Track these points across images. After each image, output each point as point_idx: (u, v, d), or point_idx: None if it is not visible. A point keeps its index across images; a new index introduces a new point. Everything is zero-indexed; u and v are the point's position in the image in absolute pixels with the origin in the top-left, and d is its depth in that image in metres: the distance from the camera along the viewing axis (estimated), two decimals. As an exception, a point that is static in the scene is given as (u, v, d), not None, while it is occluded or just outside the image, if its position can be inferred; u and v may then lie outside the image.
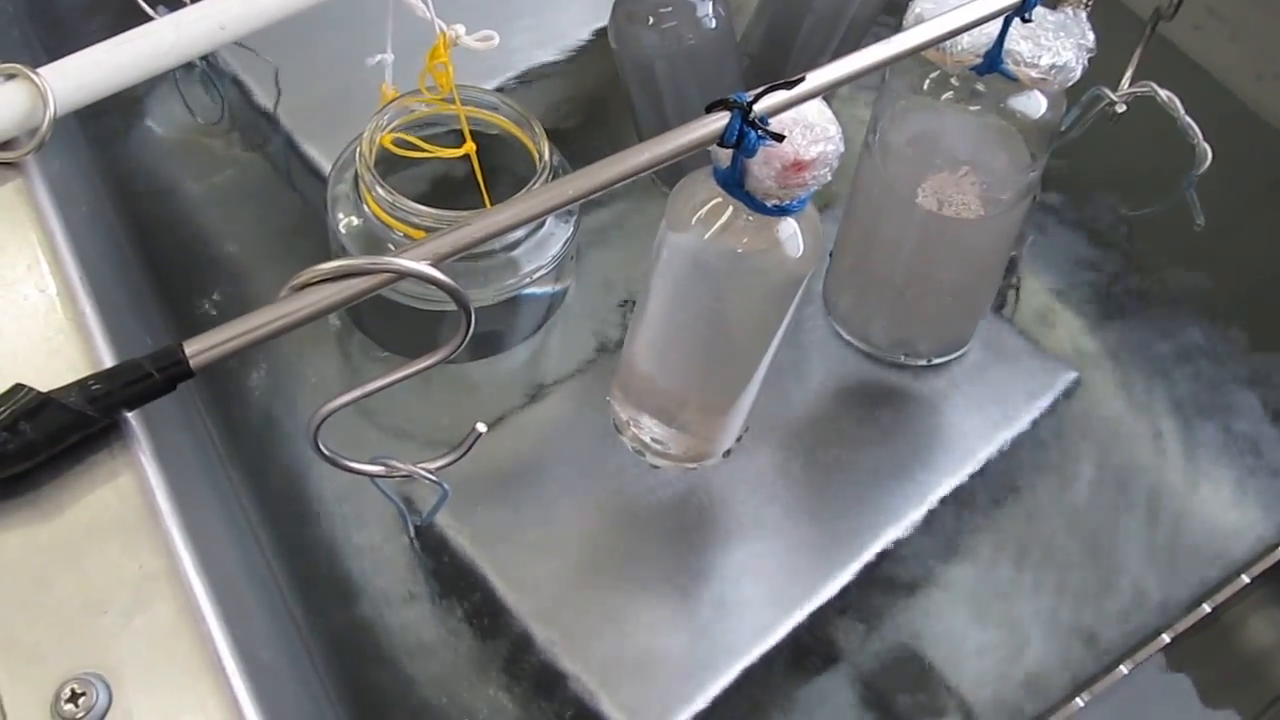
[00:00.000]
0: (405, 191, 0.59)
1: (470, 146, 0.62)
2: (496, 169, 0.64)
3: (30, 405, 0.42)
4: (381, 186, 0.59)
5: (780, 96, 0.46)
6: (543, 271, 0.64)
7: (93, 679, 0.39)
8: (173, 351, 0.42)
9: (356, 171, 0.62)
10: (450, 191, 0.67)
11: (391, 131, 0.63)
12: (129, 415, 0.45)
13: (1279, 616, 0.65)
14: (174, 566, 0.42)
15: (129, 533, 0.42)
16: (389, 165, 0.63)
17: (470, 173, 0.62)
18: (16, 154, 0.53)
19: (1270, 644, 0.65)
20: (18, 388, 0.42)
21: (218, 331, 0.42)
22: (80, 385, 0.43)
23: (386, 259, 0.42)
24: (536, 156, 0.63)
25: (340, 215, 0.63)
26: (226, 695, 0.40)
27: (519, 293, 0.64)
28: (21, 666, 0.39)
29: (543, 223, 0.64)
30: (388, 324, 0.67)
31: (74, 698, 0.39)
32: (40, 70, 0.54)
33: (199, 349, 0.42)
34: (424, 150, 0.63)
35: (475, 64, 0.69)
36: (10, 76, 0.54)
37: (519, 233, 0.62)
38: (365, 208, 0.61)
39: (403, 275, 0.42)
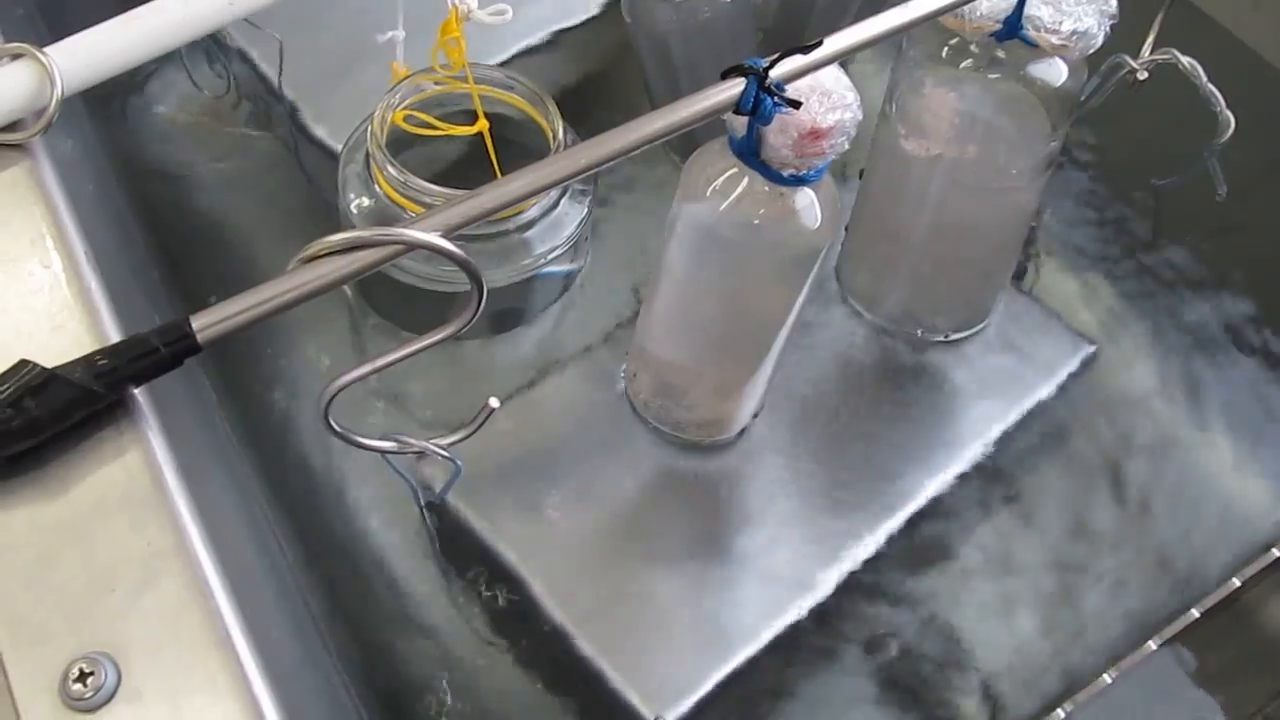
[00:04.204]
0: (417, 172, 0.59)
1: (484, 123, 0.61)
2: (509, 149, 0.63)
3: (35, 381, 0.41)
4: (393, 166, 0.59)
5: (797, 61, 0.46)
6: (557, 252, 0.63)
7: (101, 658, 0.39)
8: (180, 326, 0.42)
9: (368, 151, 0.61)
10: (462, 171, 0.66)
11: (403, 110, 0.63)
12: (136, 391, 0.44)
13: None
14: (182, 543, 0.41)
15: (136, 510, 0.42)
16: (400, 145, 0.63)
17: (483, 153, 0.62)
18: (23, 135, 0.53)
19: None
20: (23, 364, 0.42)
21: (225, 305, 0.42)
22: (86, 361, 0.42)
23: (396, 230, 0.42)
24: (550, 135, 0.62)
25: (351, 196, 0.62)
26: (236, 672, 0.39)
27: (534, 272, 0.63)
28: (28, 647, 0.39)
29: (557, 202, 0.63)
30: (402, 306, 0.66)
31: (82, 677, 0.38)
32: (47, 49, 0.53)
33: (206, 323, 0.42)
34: (437, 128, 0.63)
35: (486, 39, 0.69)
36: (16, 56, 0.53)
37: (533, 212, 0.62)
38: (376, 188, 0.61)
39: (412, 246, 0.42)
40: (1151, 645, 0.60)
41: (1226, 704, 0.60)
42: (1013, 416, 0.67)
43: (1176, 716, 0.60)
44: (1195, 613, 0.61)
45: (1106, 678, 0.59)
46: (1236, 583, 0.62)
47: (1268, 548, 0.64)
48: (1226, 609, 0.62)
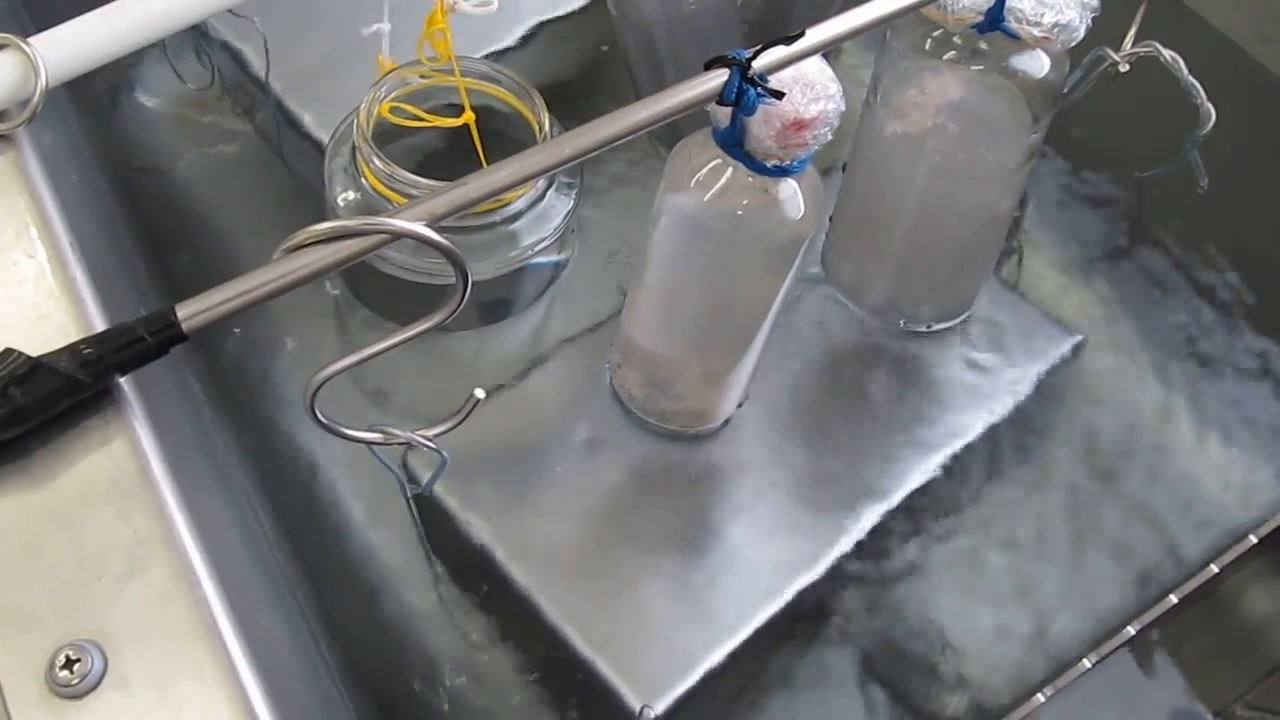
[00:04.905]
0: (403, 165, 0.59)
1: (470, 115, 0.61)
2: (496, 141, 0.63)
3: (20, 370, 0.41)
4: (379, 158, 0.59)
5: (780, 52, 0.46)
6: (544, 243, 0.63)
7: (87, 645, 0.39)
8: (165, 315, 0.42)
9: (354, 144, 0.61)
10: (448, 164, 0.66)
11: (389, 102, 0.63)
12: (121, 380, 0.44)
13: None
14: (169, 531, 0.41)
15: (123, 497, 0.42)
16: (386, 139, 0.63)
17: (469, 146, 0.62)
18: (7, 126, 0.53)
19: (1274, 610, 0.64)
20: (8, 353, 0.42)
21: (210, 294, 0.42)
22: (71, 350, 0.42)
23: (381, 219, 0.42)
24: (536, 128, 0.63)
25: (338, 189, 0.62)
26: (223, 659, 0.39)
27: (521, 264, 0.63)
28: (15, 634, 0.39)
29: (543, 194, 0.63)
30: (390, 299, 0.66)
31: (68, 664, 0.38)
32: (31, 40, 0.53)
33: (191, 312, 0.42)
34: (423, 120, 0.63)
35: (471, 31, 0.68)
36: (0, 47, 0.53)
37: (520, 204, 0.62)
38: (363, 181, 0.61)
39: (397, 235, 0.42)
40: (1130, 631, 0.60)
41: (1205, 690, 0.61)
42: (996, 406, 0.67)
43: (1155, 702, 0.61)
44: (1174, 598, 0.61)
45: (1086, 663, 0.59)
46: (1215, 569, 0.62)
47: (1246, 534, 0.64)
48: (1205, 595, 0.62)
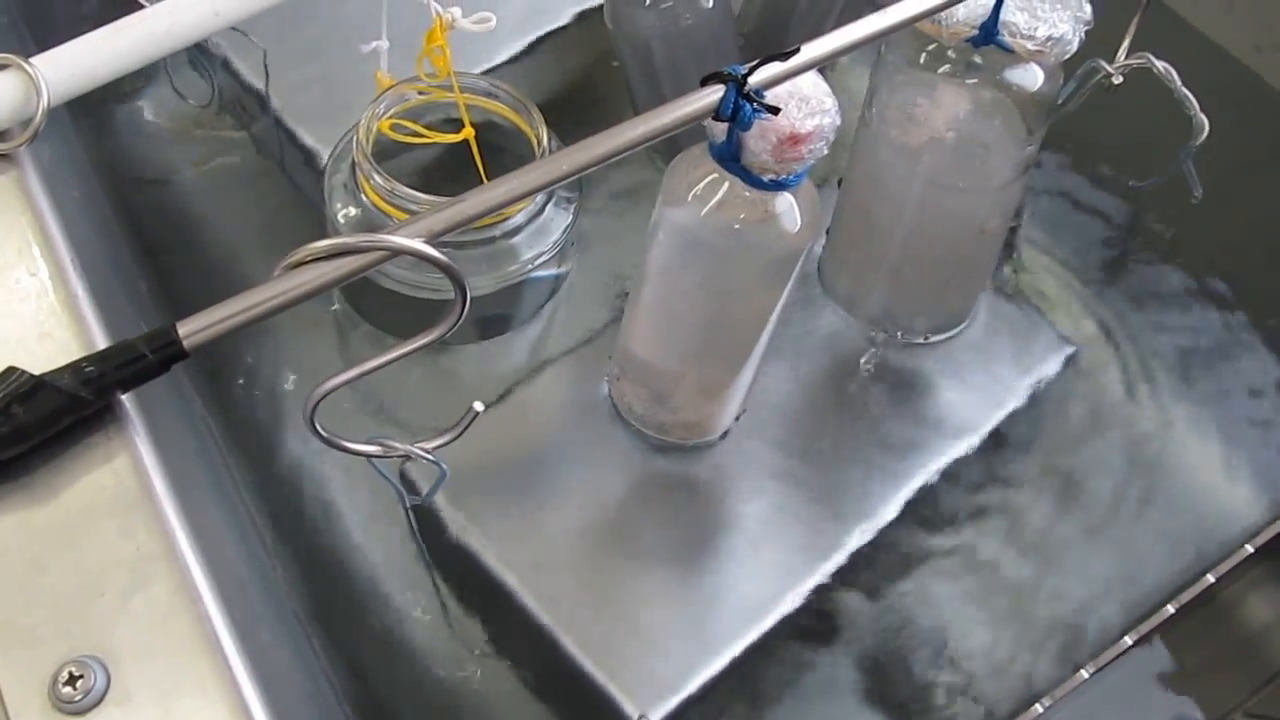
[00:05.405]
0: (403, 180, 0.59)
1: (469, 131, 0.62)
2: (495, 156, 0.63)
3: (23, 388, 0.41)
4: (379, 174, 0.59)
5: (775, 68, 0.46)
6: (544, 257, 0.64)
7: (90, 661, 0.39)
8: (166, 332, 0.42)
9: (354, 160, 0.61)
10: (448, 179, 0.67)
11: (389, 118, 0.63)
12: (123, 397, 0.44)
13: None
14: (171, 547, 0.42)
15: (125, 514, 0.42)
16: (386, 155, 0.63)
17: (468, 161, 0.62)
18: (9, 145, 0.53)
19: (1272, 619, 0.64)
20: (10, 371, 0.42)
21: (211, 312, 0.42)
22: (73, 368, 0.42)
23: (380, 236, 0.42)
24: (535, 143, 0.63)
25: (338, 205, 0.62)
26: (225, 675, 0.39)
27: (520, 278, 0.63)
28: (18, 650, 0.39)
29: (543, 208, 0.63)
30: (391, 314, 0.66)
31: (71, 680, 0.38)
32: (33, 60, 0.53)
33: (192, 329, 0.42)
34: (423, 136, 0.63)
35: (469, 47, 0.69)
36: (3, 67, 0.53)
37: (519, 218, 0.62)
38: (363, 197, 0.61)
39: (396, 252, 0.42)
40: (1127, 641, 0.60)
41: (1204, 700, 0.61)
42: (993, 417, 0.67)
43: (1154, 712, 0.61)
44: (1171, 608, 0.61)
45: (1084, 673, 0.59)
46: (1211, 579, 0.62)
47: (1243, 543, 0.64)
48: (1203, 605, 0.62)
